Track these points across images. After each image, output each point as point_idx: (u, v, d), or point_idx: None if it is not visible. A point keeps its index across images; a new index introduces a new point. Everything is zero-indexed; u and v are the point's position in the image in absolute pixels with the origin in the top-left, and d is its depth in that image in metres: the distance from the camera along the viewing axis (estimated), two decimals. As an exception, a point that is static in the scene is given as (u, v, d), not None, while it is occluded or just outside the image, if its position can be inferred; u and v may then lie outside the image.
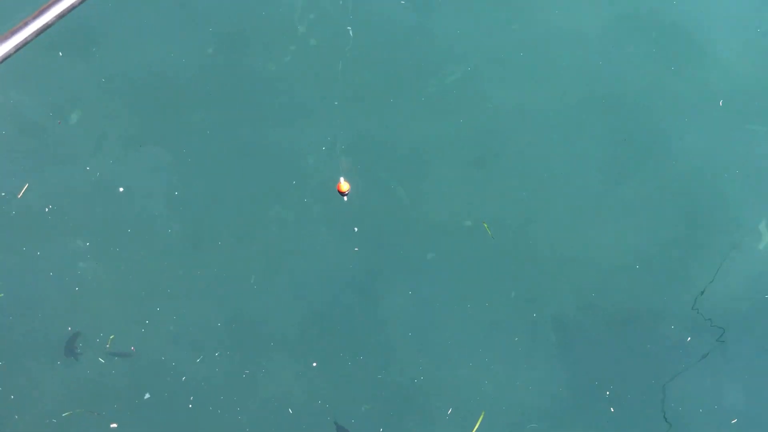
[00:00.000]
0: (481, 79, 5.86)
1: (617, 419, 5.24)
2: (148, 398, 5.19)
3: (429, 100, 5.80)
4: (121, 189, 5.59)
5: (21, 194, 5.53)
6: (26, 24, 1.70)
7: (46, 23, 1.68)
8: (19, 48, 1.70)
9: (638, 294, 5.47)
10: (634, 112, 5.85)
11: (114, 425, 5.12)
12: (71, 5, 1.75)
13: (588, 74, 5.91)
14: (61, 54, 5.87)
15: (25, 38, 1.72)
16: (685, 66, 5.93)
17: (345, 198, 5.48)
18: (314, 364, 5.31)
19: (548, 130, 5.78)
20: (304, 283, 5.46)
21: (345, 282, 5.46)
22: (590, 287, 5.48)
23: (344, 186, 5.43)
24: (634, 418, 5.26)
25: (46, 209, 5.53)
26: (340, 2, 5.96)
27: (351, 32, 5.83)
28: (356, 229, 5.50)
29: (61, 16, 1.73)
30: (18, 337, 5.27)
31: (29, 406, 5.14)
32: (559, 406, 5.27)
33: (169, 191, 5.62)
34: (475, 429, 5.18)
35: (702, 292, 5.46)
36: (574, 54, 5.94)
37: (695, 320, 5.42)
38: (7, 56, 1.74)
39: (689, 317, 5.42)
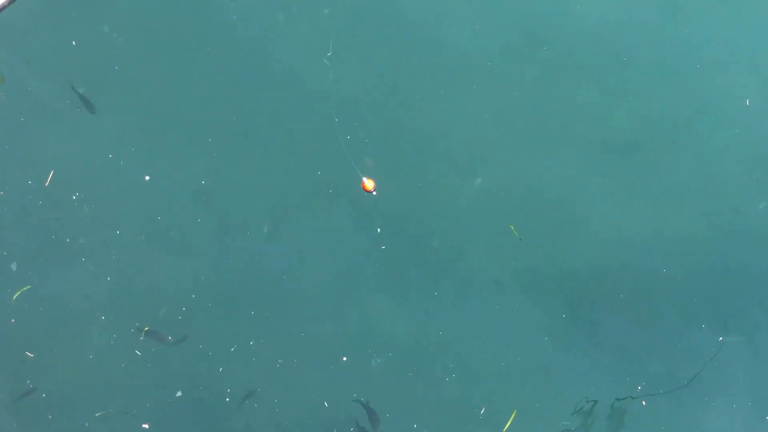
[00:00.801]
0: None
1: (649, 414, 5.27)
2: (180, 396, 5.16)
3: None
4: (147, 177, 5.50)
5: (48, 182, 5.42)
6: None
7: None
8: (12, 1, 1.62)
9: (668, 293, 5.44)
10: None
11: (146, 426, 5.08)
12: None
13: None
14: (74, 43, 5.75)
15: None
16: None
17: (374, 193, 5.43)
18: (344, 359, 5.30)
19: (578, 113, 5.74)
20: (334, 276, 5.42)
21: (373, 277, 5.42)
22: (620, 287, 5.44)
23: (369, 185, 5.38)
24: (666, 413, 5.28)
25: (74, 197, 5.43)
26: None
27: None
28: (379, 230, 5.46)
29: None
30: (49, 329, 5.23)
31: (62, 404, 5.15)
32: (590, 404, 5.29)
33: (195, 180, 5.50)
34: (506, 427, 5.19)
35: (732, 292, 5.44)
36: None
37: (726, 320, 5.41)
38: (3, 8, 1.67)
39: (720, 316, 5.41)
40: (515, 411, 5.23)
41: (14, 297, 5.25)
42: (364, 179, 5.34)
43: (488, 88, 5.65)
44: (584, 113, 5.68)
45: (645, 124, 5.66)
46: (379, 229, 5.44)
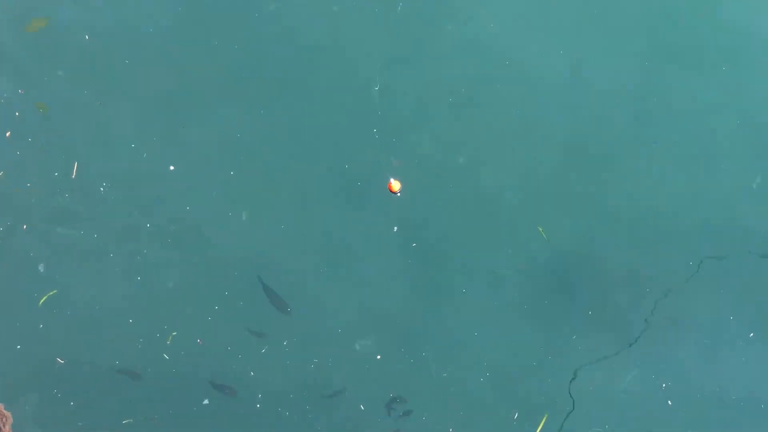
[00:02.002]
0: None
1: (675, 412, 5.34)
2: (207, 404, 5.10)
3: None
4: (172, 167, 5.35)
5: (74, 173, 5.23)
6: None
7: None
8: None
9: (695, 290, 5.47)
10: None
11: None
12: None
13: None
14: (87, 37, 5.50)
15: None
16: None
17: (398, 194, 5.38)
18: (378, 357, 5.27)
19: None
20: (366, 275, 5.37)
21: (406, 275, 5.37)
22: (645, 284, 5.47)
23: (395, 185, 5.32)
24: (693, 411, 5.36)
25: (101, 188, 5.25)
26: None
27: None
28: (396, 228, 5.41)
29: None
30: (76, 333, 5.08)
31: (89, 411, 5.03)
32: (618, 403, 5.34)
33: (222, 171, 5.37)
34: (538, 431, 5.25)
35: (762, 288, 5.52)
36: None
37: (756, 316, 5.47)
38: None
39: (750, 313, 5.47)
40: (546, 414, 5.28)
41: (40, 302, 5.07)
42: (391, 180, 5.30)
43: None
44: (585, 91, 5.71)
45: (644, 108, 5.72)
46: (396, 228, 5.40)
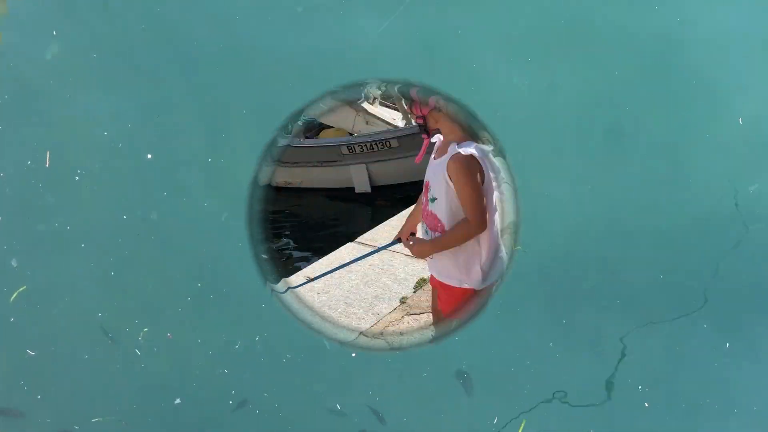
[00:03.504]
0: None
1: (651, 414, 5.25)
2: (179, 403, 5.04)
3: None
4: (150, 156, 5.25)
5: (47, 162, 5.15)
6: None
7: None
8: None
9: (667, 297, 5.40)
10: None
11: None
12: None
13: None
14: (54, 33, 5.40)
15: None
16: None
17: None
18: (353, 355, 5.19)
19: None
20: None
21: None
22: (617, 290, 5.42)
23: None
24: (667, 413, 5.28)
25: (76, 177, 5.17)
26: None
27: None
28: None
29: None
30: (46, 329, 5.02)
31: (58, 407, 4.96)
32: (595, 406, 5.26)
33: (201, 159, 5.29)
34: (516, 437, 5.18)
35: (737, 298, 5.43)
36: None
37: (731, 325, 5.40)
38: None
39: (726, 321, 5.40)
40: (525, 421, 5.19)
41: (11, 299, 5.01)
42: None
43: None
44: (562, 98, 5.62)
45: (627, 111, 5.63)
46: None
